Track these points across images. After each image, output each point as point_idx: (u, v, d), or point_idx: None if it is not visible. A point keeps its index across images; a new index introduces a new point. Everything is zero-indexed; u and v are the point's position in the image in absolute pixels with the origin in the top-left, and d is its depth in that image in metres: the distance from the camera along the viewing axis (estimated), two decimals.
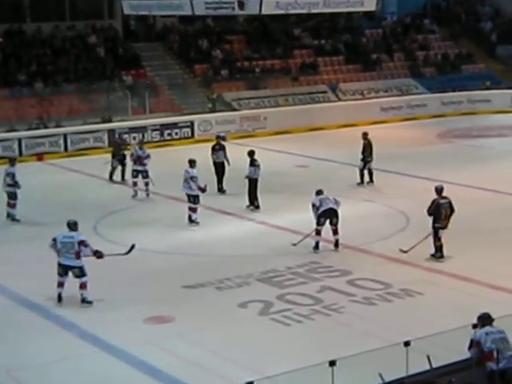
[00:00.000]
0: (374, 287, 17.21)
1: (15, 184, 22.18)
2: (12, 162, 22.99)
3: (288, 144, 26.36)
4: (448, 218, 19.14)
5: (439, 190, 19.27)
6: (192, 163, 22.81)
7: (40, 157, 27.11)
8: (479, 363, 11.49)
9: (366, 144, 25.08)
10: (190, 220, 21.80)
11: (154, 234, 21.39)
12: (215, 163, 24.60)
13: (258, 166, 23.46)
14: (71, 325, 15.74)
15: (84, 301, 16.50)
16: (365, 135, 23.85)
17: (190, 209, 22.01)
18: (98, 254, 16.35)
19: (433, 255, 19.45)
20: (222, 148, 24.93)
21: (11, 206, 22.29)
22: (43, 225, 22.06)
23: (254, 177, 23.41)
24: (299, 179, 24.79)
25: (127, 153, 25.79)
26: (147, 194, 25.09)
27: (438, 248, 18.99)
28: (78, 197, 25.11)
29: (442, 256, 19.04)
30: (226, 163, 24.64)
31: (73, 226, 16.62)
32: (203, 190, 22.50)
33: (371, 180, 24.09)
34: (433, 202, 19.09)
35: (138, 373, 13.54)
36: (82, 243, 16.31)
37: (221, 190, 24.57)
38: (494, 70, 40.95)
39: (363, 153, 24.61)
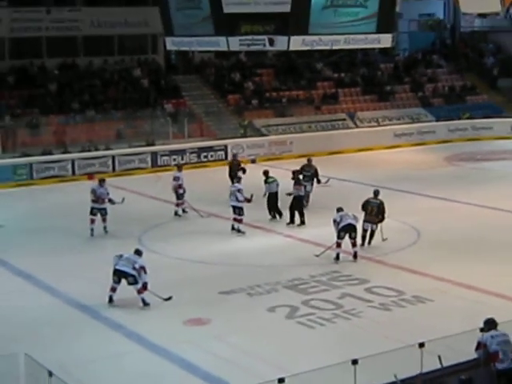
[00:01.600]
0: (389, 294, 17.08)
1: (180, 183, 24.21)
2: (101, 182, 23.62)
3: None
4: (375, 215, 20.48)
5: (375, 193, 20.69)
6: (238, 179, 23.85)
7: (90, 176, 27.90)
8: (486, 363, 11.57)
9: None
10: (233, 228, 22.43)
11: (193, 246, 21.51)
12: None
13: (271, 183, 23.93)
14: (118, 325, 15.79)
15: (144, 303, 16.81)
16: None
17: (235, 220, 22.41)
18: (145, 286, 16.76)
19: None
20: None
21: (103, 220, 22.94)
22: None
23: (270, 192, 24.01)
24: (321, 197, 25.16)
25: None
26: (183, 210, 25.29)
27: (361, 237, 20.45)
28: (125, 212, 25.22)
29: (362, 244, 20.71)
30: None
31: (138, 252, 17.19)
32: (249, 200, 22.87)
33: None
34: (366, 200, 20.39)
35: (177, 369, 13.68)
36: (142, 268, 16.70)
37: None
38: (495, 100, 42.37)
39: None
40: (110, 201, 22.63)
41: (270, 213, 23.66)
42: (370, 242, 20.49)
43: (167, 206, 26.04)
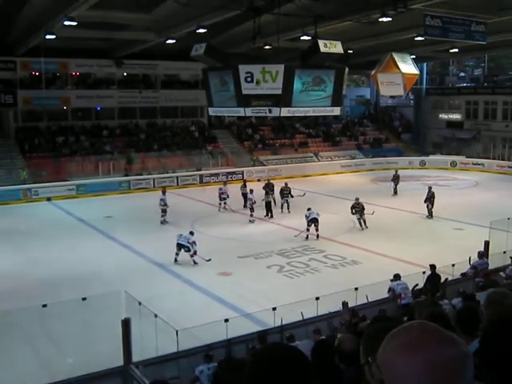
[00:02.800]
0: (336, 259, 18.23)
1: (165, 204, 24.12)
2: (163, 191, 25.04)
3: (293, 184, 27.18)
4: (360, 211, 22.08)
5: (356, 199, 22.46)
6: (251, 191, 24.87)
7: (163, 188, 28.60)
8: (393, 300, 12.09)
9: None
10: (250, 220, 24.20)
11: (223, 229, 23.06)
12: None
13: (269, 194, 25.32)
14: (178, 275, 16.85)
15: (194, 262, 17.64)
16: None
17: (251, 215, 24.15)
18: (195, 253, 17.45)
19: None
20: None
21: (162, 216, 24.07)
22: (166, 223, 23.76)
23: (267, 200, 25.26)
24: (299, 202, 25.45)
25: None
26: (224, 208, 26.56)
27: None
28: (183, 210, 26.42)
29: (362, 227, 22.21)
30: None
31: (191, 233, 17.99)
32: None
33: None
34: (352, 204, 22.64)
35: (213, 301, 14.41)
36: (194, 242, 17.74)
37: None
38: (400, 146, 47.30)
39: None
40: (165, 204, 24.14)
41: (266, 212, 25.44)
42: (365, 224, 22.37)
43: (208, 207, 27.65)
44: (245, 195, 26.11)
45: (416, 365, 1.41)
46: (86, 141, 36.46)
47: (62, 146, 35.13)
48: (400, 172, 30.74)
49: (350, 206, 22.70)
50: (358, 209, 22.76)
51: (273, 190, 25.76)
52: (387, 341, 1.52)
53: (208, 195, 28.53)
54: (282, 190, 25.80)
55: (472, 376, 1.47)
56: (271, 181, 27.31)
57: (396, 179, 30.60)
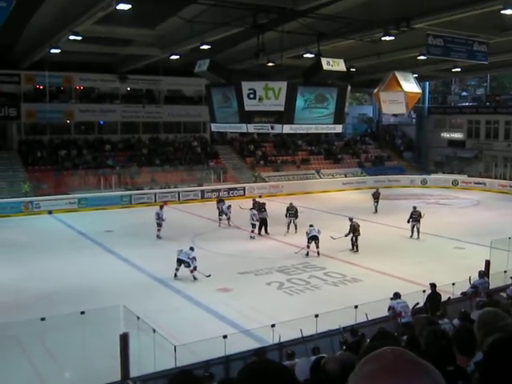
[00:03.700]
0: (337, 276, 18.21)
1: (159, 218, 24.13)
2: (161, 206, 25.17)
3: (294, 200, 26.55)
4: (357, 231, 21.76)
5: (350, 219, 21.85)
6: (254, 207, 25.10)
7: (165, 202, 30.33)
8: (393, 319, 12.05)
9: None
10: (251, 237, 23.96)
11: (223, 245, 22.96)
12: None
13: (263, 212, 25.07)
14: (178, 290, 16.80)
15: (194, 278, 17.63)
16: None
17: (252, 231, 24.15)
18: (195, 268, 17.46)
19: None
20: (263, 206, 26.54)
21: (158, 230, 24.18)
22: (166, 238, 23.54)
23: (262, 217, 24.96)
24: (299, 218, 25.03)
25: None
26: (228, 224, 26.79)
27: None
28: (184, 224, 26.59)
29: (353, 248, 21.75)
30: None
31: (191, 248, 18.00)
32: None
33: None
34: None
35: (212, 317, 14.38)
36: (194, 258, 17.75)
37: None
38: (402, 165, 47.42)
39: None
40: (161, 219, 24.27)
41: (259, 230, 24.97)
42: (357, 247, 21.90)
43: (209, 222, 27.58)
44: (265, 220, 24.87)
45: None
46: (89, 154, 36.59)
47: (64, 160, 35.22)
48: (395, 190, 30.84)
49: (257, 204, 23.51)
50: (292, 212, 24.48)
51: (264, 208, 25.21)
52: (359, 366, 1.46)
53: (209, 210, 28.42)
54: (287, 210, 25.23)
55: None
56: (258, 199, 27.32)
57: (376, 197, 30.35)
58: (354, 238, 21.73)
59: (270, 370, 1.57)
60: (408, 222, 24.19)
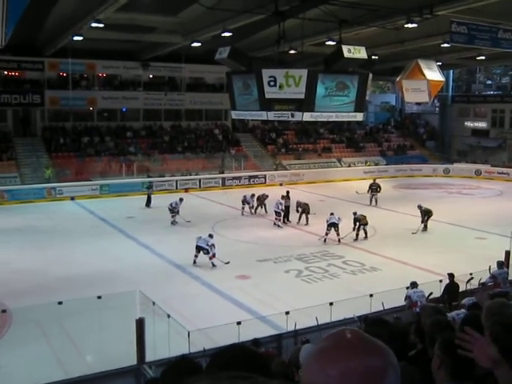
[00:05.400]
0: (355, 265, 18.19)
1: (174, 209, 24.27)
2: (181, 199, 24.85)
3: (314, 189, 29.06)
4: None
5: (354, 213, 21.64)
6: (282, 197, 24.79)
7: (186, 190, 31.43)
8: (409, 308, 12.05)
9: None
10: (275, 224, 23.80)
11: (243, 232, 22.99)
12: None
13: (286, 200, 24.84)
14: (197, 277, 16.90)
15: (213, 265, 17.72)
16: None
17: (276, 218, 24.05)
18: (214, 255, 17.57)
19: None
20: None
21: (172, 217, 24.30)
22: (186, 225, 23.73)
23: (286, 205, 24.98)
24: (320, 207, 25.79)
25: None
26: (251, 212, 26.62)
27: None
28: (204, 212, 26.55)
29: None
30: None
31: (211, 235, 17.90)
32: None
33: None
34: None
35: (230, 304, 14.43)
36: (213, 245, 17.84)
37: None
38: (424, 154, 46.74)
39: None
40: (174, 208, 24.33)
41: (283, 218, 25.07)
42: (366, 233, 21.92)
43: (229, 209, 27.65)
44: (287, 208, 24.84)
45: (330, 375, 1.33)
46: (111, 141, 36.90)
47: (86, 146, 35.56)
48: (417, 180, 30.39)
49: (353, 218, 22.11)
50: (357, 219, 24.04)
51: (288, 197, 24.98)
52: (315, 344, 1.48)
53: (230, 198, 28.72)
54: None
55: None
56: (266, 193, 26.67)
57: (374, 189, 28.80)
58: (359, 229, 21.44)
59: (244, 354, 1.62)
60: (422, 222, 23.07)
